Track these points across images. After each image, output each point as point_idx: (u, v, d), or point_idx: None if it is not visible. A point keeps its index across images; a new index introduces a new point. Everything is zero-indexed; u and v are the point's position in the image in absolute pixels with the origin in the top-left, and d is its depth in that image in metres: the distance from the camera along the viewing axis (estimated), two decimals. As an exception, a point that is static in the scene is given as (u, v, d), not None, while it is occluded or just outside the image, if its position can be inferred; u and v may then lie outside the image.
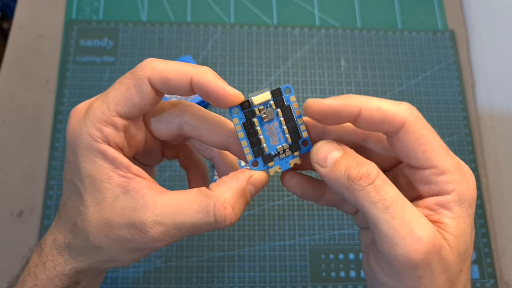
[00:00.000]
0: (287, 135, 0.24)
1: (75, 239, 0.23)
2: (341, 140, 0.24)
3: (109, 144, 0.22)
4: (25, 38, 0.52)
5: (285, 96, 0.24)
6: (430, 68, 0.54)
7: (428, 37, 0.56)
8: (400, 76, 0.54)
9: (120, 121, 0.22)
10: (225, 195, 0.22)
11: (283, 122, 0.24)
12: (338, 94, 0.52)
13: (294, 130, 0.24)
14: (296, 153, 0.24)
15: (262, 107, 0.23)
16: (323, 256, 0.46)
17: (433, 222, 0.21)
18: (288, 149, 0.24)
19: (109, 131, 0.22)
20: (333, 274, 0.45)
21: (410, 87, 0.53)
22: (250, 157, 0.24)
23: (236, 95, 0.22)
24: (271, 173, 0.24)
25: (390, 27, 0.56)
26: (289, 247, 0.46)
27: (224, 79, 0.52)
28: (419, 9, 0.57)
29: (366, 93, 0.53)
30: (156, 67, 0.22)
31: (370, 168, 0.21)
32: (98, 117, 0.22)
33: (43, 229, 0.45)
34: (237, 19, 0.55)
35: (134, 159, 0.27)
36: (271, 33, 0.54)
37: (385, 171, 0.25)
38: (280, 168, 0.24)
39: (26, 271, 0.25)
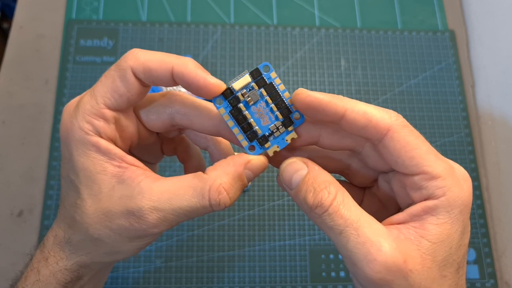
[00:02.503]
0: (277, 113, 0.23)
1: (74, 234, 0.23)
2: (338, 144, 0.24)
3: (101, 136, 0.23)
4: (25, 38, 0.52)
5: (265, 74, 0.23)
6: (430, 68, 0.54)
7: (428, 37, 0.56)
8: (400, 76, 0.54)
9: (109, 113, 0.23)
10: (220, 179, 0.22)
11: (270, 101, 0.23)
12: (338, 94, 0.52)
13: (282, 105, 0.23)
14: (290, 128, 0.24)
15: (245, 90, 0.23)
16: (323, 256, 0.46)
17: (415, 228, 0.21)
18: (281, 126, 0.23)
19: (99, 123, 0.22)
20: (333, 274, 0.45)
21: (410, 87, 0.53)
22: (245, 143, 0.24)
23: (217, 84, 0.22)
24: (270, 154, 0.24)
25: (390, 27, 0.56)
26: (289, 247, 0.46)
27: (224, 79, 0.52)
28: (419, 9, 0.57)
29: (366, 93, 0.53)
30: (139, 58, 0.22)
31: (325, 195, 0.21)
32: (88, 111, 0.22)
33: (43, 229, 0.45)
34: (237, 19, 0.55)
35: (136, 157, 0.27)
36: (271, 33, 0.55)
37: (384, 173, 0.25)
38: (278, 147, 0.24)
39: (29, 267, 0.25)
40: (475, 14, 0.57)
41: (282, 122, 0.23)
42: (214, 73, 0.52)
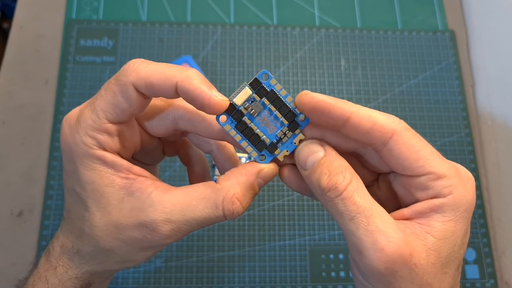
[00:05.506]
0: (282, 119, 0.23)
1: (84, 246, 0.23)
2: (341, 146, 0.24)
3: (105, 150, 0.22)
4: (25, 38, 0.52)
5: (264, 83, 0.23)
6: (430, 68, 0.54)
7: (428, 37, 0.56)
8: (400, 76, 0.54)
9: (112, 127, 0.22)
10: (233, 190, 0.22)
11: (273, 108, 0.23)
12: (338, 94, 0.52)
13: (286, 110, 0.23)
14: (297, 131, 0.23)
15: (247, 104, 0.23)
16: (323, 256, 0.46)
17: (421, 224, 0.21)
18: (288, 131, 0.23)
19: (103, 138, 0.22)
20: (333, 274, 0.45)
21: (410, 87, 0.53)
22: (255, 154, 0.24)
23: (220, 103, 0.22)
24: (281, 159, 0.24)
25: (390, 27, 0.56)
26: (289, 247, 0.46)
27: (224, 79, 0.52)
28: (419, 9, 0.57)
29: (366, 93, 0.53)
30: (140, 72, 0.21)
31: (340, 179, 0.21)
32: (90, 126, 0.22)
33: (43, 229, 0.45)
34: (237, 19, 0.55)
35: (135, 159, 0.27)
36: (271, 33, 0.55)
37: (384, 173, 0.25)
38: (287, 151, 0.24)
39: (36, 275, 0.25)
40: (475, 14, 0.57)
41: (288, 127, 0.23)
42: (214, 73, 0.52)
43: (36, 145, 0.48)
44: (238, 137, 0.23)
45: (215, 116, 0.23)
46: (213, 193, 0.22)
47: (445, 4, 0.58)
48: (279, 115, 0.23)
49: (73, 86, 0.50)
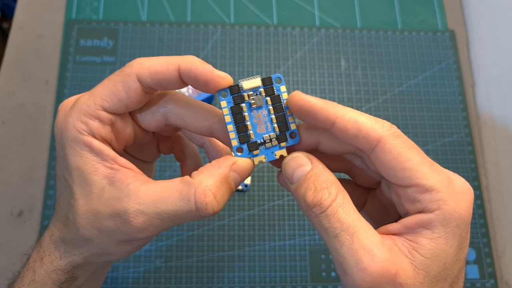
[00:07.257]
0: (275, 125, 0.23)
1: (68, 233, 0.24)
2: (338, 149, 0.23)
3: (95, 137, 0.23)
4: (25, 38, 0.52)
5: (275, 85, 0.23)
6: (430, 68, 0.54)
7: (428, 37, 0.56)
8: (400, 76, 0.54)
9: (105, 115, 0.23)
10: (206, 182, 0.22)
11: (272, 111, 0.23)
12: (338, 94, 0.52)
13: (282, 120, 0.23)
14: (283, 144, 0.23)
15: (252, 93, 0.23)
16: (323, 256, 0.46)
17: (409, 241, 0.20)
18: (274, 139, 0.23)
19: (94, 124, 0.22)
20: (333, 274, 0.45)
21: (410, 87, 0.53)
22: (235, 142, 0.23)
23: (224, 76, 0.22)
24: (256, 162, 0.24)
25: (390, 27, 0.56)
26: (289, 247, 0.46)
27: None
28: (419, 9, 0.57)
29: (366, 93, 0.53)
30: (144, 64, 0.22)
31: (325, 195, 0.20)
32: (84, 110, 0.22)
33: (43, 229, 0.45)
34: (237, 19, 0.55)
35: (131, 156, 0.28)
36: (271, 33, 0.54)
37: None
38: (265, 158, 0.24)
39: (25, 267, 0.25)
40: (475, 14, 0.57)
41: (277, 135, 0.23)
42: (214, 73, 0.52)
43: (36, 145, 0.48)
44: (228, 118, 0.23)
45: (206, 112, 0.23)
46: (185, 186, 0.22)
47: (445, 4, 0.58)
48: (274, 120, 0.23)
49: (73, 86, 0.50)
